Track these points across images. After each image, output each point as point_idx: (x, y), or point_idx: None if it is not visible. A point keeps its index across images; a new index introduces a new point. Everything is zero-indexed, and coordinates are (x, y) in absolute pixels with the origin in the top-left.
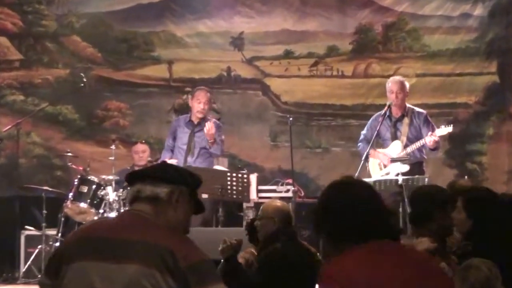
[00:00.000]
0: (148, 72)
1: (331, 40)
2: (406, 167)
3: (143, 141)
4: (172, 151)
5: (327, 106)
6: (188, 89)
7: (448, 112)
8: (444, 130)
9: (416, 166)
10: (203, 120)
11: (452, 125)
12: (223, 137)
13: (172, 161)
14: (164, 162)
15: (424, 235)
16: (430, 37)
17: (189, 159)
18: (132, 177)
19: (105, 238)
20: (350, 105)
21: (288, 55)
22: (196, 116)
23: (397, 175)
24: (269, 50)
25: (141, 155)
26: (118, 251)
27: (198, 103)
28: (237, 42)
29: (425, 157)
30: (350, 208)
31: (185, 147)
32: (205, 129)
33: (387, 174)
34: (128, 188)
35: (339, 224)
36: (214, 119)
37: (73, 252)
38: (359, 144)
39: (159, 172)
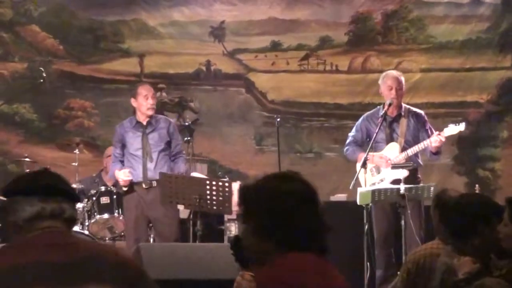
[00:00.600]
0: (117, 66)
1: (324, 30)
2: (405, 172)
3: None
4: (122, 161)
5: (319, 105)
6: (161, 85)
7: (456, 112)
8: (455, 128)
9: (411, 173)
10: (153, 119)
11: (464, 123)
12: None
13: (124, 172)
14: (47, 171)
15: (466, 252)
16: (437, 27)
17: (149, 165)
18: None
19: (47, 262)
20: (345, 104)
21: (275, 47)
22: (145, 115)
23: (394, 181)
24: (253, 42)
25: None
26: (68, 274)
27: (146, 99)
28: (218, 32)
29: (421, 163)
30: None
31: (139, 153)
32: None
33: (382, 181)
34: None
35: (259, 223)
36: (165, 117)
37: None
38: (346, 147)
39: (59, 186)
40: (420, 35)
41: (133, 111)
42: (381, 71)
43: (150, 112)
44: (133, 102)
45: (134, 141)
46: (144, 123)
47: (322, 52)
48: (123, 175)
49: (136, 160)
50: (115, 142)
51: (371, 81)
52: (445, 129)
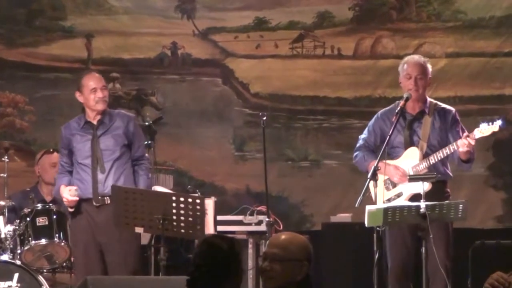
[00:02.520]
0: (57, 50)
1: (322, 4)
2: (426, 185)
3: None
4: (70, 172)
5: (317, 100)
6: (115, 74)
7: (492, 108)
8: (488, 129)
9: (438, 186)
10: (106, 116)
11: (500, 121)
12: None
13: (70, 190)
14: None
15: None
16: (467, 0)
17: (100, 177)
18: None
19: None
20: (350, 98)
21: (260, 25)
22: (95, 112)
23: (412, 196)
24: (232, 19)
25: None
26: None
27: (94, 92)
28: (187, 6)
29: (451, 174)
30: None
31: (88, 161)
32: None
33: (398, 196)
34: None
35: None
36: (123, 112)
37: None
38: (356, 153)
39: None
40: (446, 10)
41: (82, 108)
42: (396, 56)
43: (100, 107)
44: (78, 96)
45: (82, 147)
46: (95, 122)
47: (321, 32)
48: (67, 194)
49: (85, 171)
50: (60, 147)
51: (383, 69)
52: (475, 130)
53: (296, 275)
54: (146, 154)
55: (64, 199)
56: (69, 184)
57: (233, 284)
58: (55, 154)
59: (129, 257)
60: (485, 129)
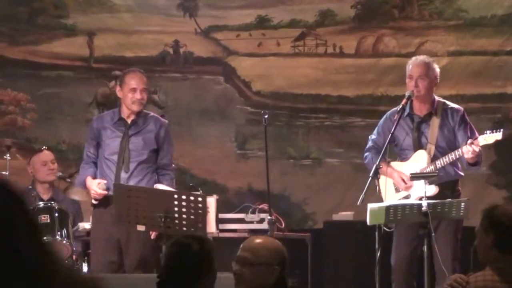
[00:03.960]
0: (59, 48)
1: (324, 2)
2: (433, 188)
3: (47, 148)
4: (95, 164)
5: (319, 98)
6: (117, 72)
7: (494, 107)
8: (491, 137)
9: (448, 186)
10: (141, 117)
11: (502, 130)
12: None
13: (100, 184)
14: None
15: None
16: None
17: (123, 176)
18: None
19: None
20: (352, 96)
21: (262, 23)
22: (130, 112)
23: (421, 198)
24: (234, 17)
25: (52, 166)
26: None
27: (133, 92)
28: (189, 4)
29: (461, 174)
30: None
31: (115, 158)
32: None
33: (407, 197)
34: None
35: None
36: (157, 116)
37: None
38: (366, 154)
39: None
40: (447, 8)
41: (119, 103)
42: (397, 55)
43: (136, 108)
44: (117, 91)
45: (111, 143)
46: (129, 121)
47: (323, 30)
48: (96, 187)
49: (110, 167)
50: (89, 138)
51: (385, 67)
52: (479, 137)
53: (267, 279)
54: (173, 165)
55: (92, 191)
56: (95, 176)
57: (206, 284)
58: (45, 152)
59: (147, 256)
60: (489, 137)
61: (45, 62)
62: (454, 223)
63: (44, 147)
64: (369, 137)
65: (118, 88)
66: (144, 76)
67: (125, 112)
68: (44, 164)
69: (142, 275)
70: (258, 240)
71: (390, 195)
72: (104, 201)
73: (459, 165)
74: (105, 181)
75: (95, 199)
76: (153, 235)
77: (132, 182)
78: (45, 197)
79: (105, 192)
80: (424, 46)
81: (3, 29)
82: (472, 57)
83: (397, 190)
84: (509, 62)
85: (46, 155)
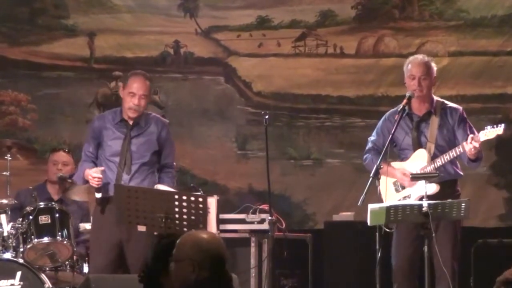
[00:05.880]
0: (59, 48)
1: (325, 3)
2: (433, 187)
3: (67, 150)
4: (95, 163)
5: (319, 99)
6: (117, 73)
7: (494, 107)
8: (492, 132)
9: (448, 185)
10: (143, 118)
11: (503, 125)
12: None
13: (96, 170)
14: None
15: None
16: None
17: (124, 178)
18: None
19: None
20: (353, 97)
21: (263, 24)
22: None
23: (421, 198)
24: (235, 17)
25: (60, 167)
26: None
27: (131, 96)
28: (189, 5)
29: (461, 173)
30: None
31: (116, 159)
32: None
33: (407, 197)
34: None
35: None
36: (159, 117)
37: None
38: (365, 156)
39: None
40: (448, 8)
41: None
42: (398, 55)
43: (131, 114)
44: (120, 90)
45: (113, 143)
46: (131, 122)
47: (323, 31)
48: (94, 172)
49: (111, 169)
50: (89, 137)
51: (385, 68)
52: (480, 133)
53: (187, 276)
54: (175, 164)
55: (90, 178)
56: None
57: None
58: (61, 153)
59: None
60: (489, 132)
61: (46, 63)
62: (453, 223)
63: (64, 148)
64: (368, 138)
65: (121, 88)
66: (148, 81)
67: (126, 113)
68: (54, 163)
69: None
70: (185, 236)
71: (390, 196)
72: (104, 201)
73: (459, 164)
74: (102, 168)
75: (97, 187)
76: None
77: (133, 184)
78: (56, 197)
79: (101, 176)
80: (425, 47)
81: (3, 30)
82: (473, 57)
83: (397, 190)
84: (510, 62)
85: (60, 155)
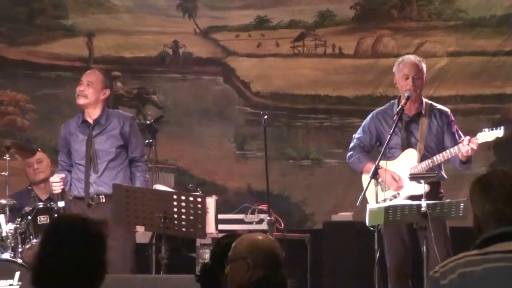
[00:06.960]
0: (58, 48)
1: (324, 3)
2: (422, 188)
3: (38, 148)
4: (69, 171)
5: (318, 99)
6: (116, 73)
7: (493, 107)
8: (491, 134)
9: (433, 187)
10: (103, 116)
11: (502, 127)
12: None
13: (55, 176)
14: None
15: None
16: None
17: (92, 177)
18: None
19: None
20: (351, 97)
21: (261, 24)
22: (91, 112)
23: (409, 198)
24: (234, 17)
25: (36, 166)
26: None
27: (79, 85)
28: (188, 5)
29: (445, 176)
30: None
31: (84, 162)
32: None
33: (395, 197)
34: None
35: None
36: (120, 112)
37: None
38: (350, 153)
39: None
40: (446, 8)
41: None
42: (397, 55)
43: (78, 101)
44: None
45: (79, 147)
46: (92, 121)
47: (322, 31)
48: (52, 178)
49: (82, 171)
50: (60, 146)
51: (384, 68)
52: (478, 134)
53: (242, 275)
54: (145, 156)
55: (51, 185)
56: (66, 179)
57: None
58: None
59: (125, 256)
60: (488, 134)
61: (45, 63)
62: (443, 222)
63: (33, 147)
64: (353, 136)
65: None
66: (99, 73)
67: (87, 114)
68: (29, 165)
69: (141, 275)
70: (242, 237)
71: (378, 194)
72: (75, 206)
73: (443, 167)
74: (62, 175)
75: (58, 192)
76: None
77: (103, 182)
78: (44, 197)
79: (57, 180)
80: (423, 47)
81: (2, 30)
82: (472, 57)
83: (383, 188)
84: (508, 62)
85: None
